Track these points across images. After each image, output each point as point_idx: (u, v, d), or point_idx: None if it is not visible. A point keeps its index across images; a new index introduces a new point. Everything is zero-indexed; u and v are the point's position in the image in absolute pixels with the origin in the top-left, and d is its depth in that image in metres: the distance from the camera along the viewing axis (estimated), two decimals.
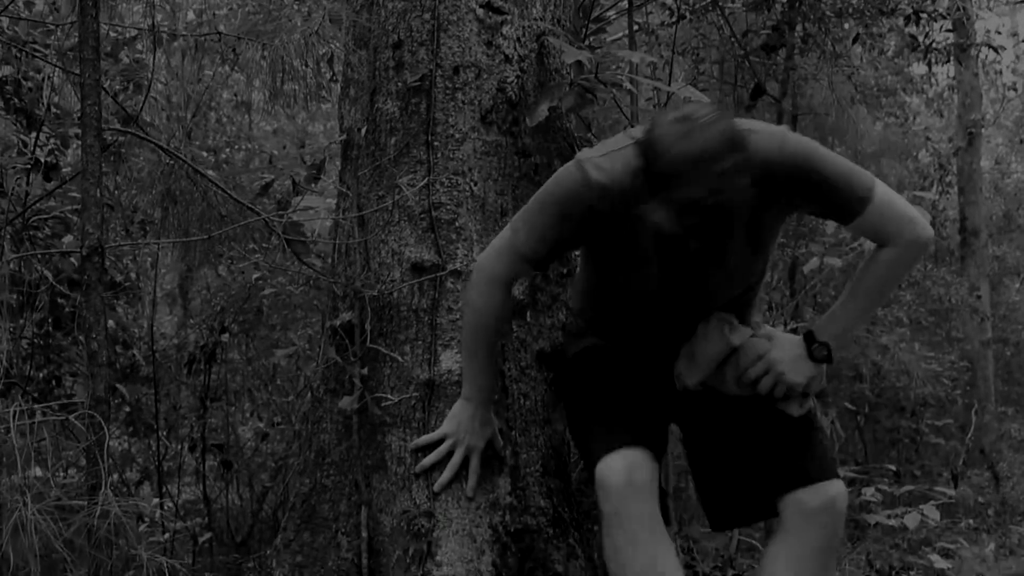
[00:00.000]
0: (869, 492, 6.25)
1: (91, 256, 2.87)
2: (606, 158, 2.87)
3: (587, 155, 2.91)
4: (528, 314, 3.69)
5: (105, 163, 3.07)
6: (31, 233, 4.86)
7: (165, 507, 5.42)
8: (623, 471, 2.88)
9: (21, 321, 5.25)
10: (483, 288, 3.13)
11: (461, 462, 3.37)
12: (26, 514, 2.48)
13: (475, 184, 3.63)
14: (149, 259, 7.03)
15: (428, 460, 3.37)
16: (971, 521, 8.40)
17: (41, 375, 5.49)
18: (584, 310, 3.42)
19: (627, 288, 3.11)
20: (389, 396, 3.47)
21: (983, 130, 13.97)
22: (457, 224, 3.58)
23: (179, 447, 6.47)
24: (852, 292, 3.09)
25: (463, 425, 3.36)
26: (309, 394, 3.83)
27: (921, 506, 5.66)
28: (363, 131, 3.72)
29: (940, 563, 5.96)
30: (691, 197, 2.53)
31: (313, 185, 3.64)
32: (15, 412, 2.71)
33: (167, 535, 4.11)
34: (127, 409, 5.89)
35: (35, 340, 5.40)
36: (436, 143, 3.62)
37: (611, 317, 3.28)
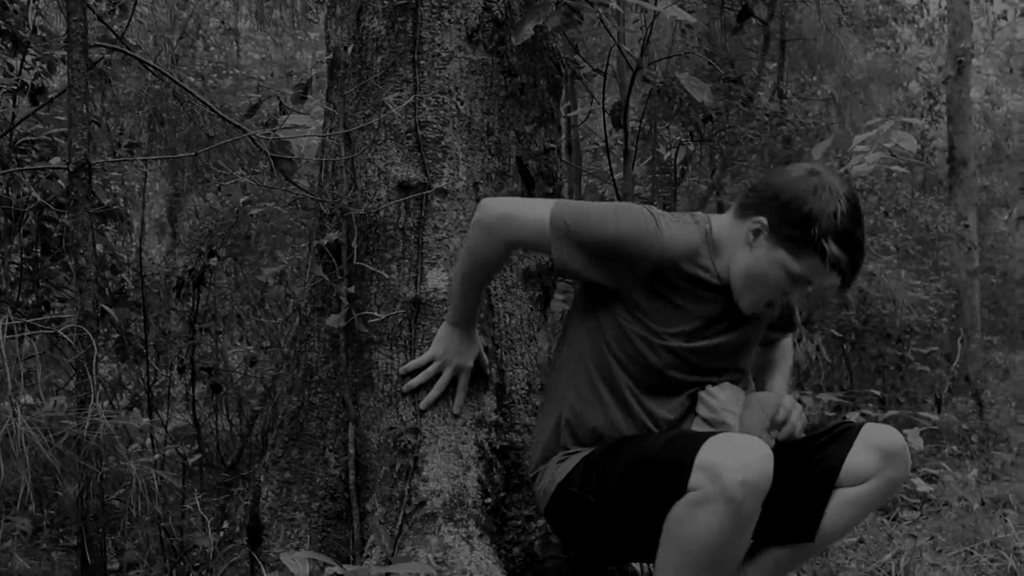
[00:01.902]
0: (854, 417, 6.30)
1: (78, 172, 2.88)
2: (669, 221, 3.03)
3: (655, 214, 3.04)
4: None
5: (91, 83, 3.06)
6: (18, 156, 4.84)
7: (154, 431, 5.45)
8: (757, 465, 2.69)
9: (9, 245, 5.25)
10: (493, 244, 3.11)
11: (449, 382, 3.40)
12: (16, 425, 2.50)
13: (461, 103, 3.63)
14: (137, 185, 7.01)
15: (416, 381, 3.40)
16: (955, 447, 8.46)
17: (30, 300, 5.49)
18: (579, 413, 3.14)
19: (650, 343, 3.04)
20: (376, 314, 3.49)
21: (973, 60, 13.91)
22: (443, 143, 3.59)
23: (168, 373, 6.48)
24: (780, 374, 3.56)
25: (451, 347, 3.37)
26: (297, 316, 3.85)
27: (905, 431, 5.69)
28: (349, 50, 3.71)
29: (923, 487, 6.02)
30: (859, 240, 2.89)
31: (300, 105, 3.62)
32: (4, 327, 2.73)
33: (157, 456, 4.14)
34: (115, 336, 5.90)
35: (23, 265, 5.40)
36: (422, 62, 3.61)
37: (620, 391, 3.10)
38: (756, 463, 2.66)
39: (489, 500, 3.40)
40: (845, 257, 2.85)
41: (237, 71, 6.84)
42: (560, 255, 3.00)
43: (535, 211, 3.05)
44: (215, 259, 5.63)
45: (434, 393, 3.39)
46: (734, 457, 2.66)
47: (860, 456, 3.02)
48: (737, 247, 3.00)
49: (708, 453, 2.70)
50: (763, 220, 2.94)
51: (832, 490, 3.05)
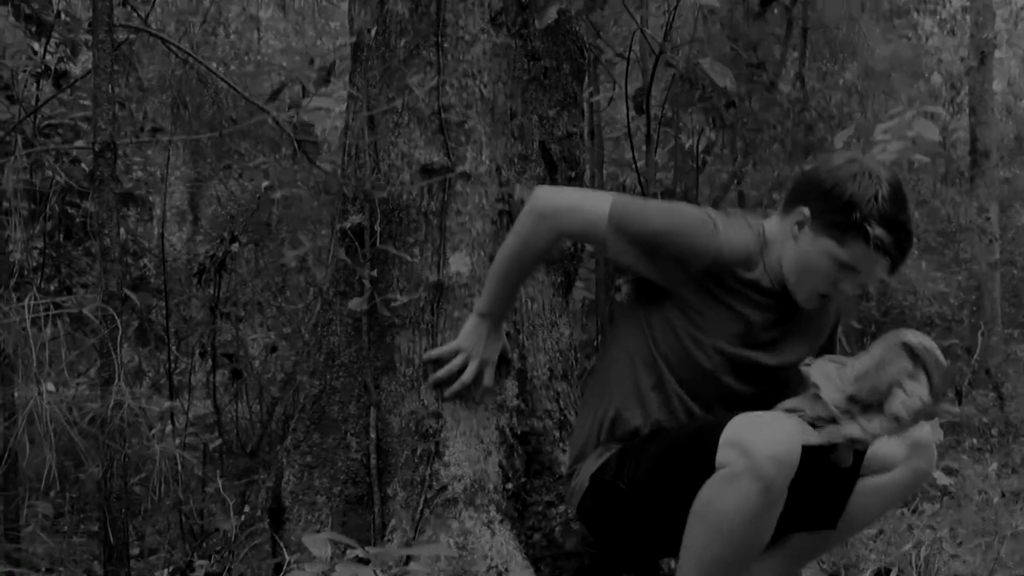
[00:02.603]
0: None
1: (103, 152, 2.88)
2: (725, 222, 3.02)
3: (712, 216, 3.03)
4: None
5: (116, 63, 3.07)
6: (42, 140, 4.85)
7: (175, 417, 5.46)
8: (786, 442, 2.67)
9: (32, 231, 5.26)
10: (546, 232, 3.08)
11: (474, 376, 3.39)
12: (42, 404, 2.51)
13: (485, 86, 3.62)
14: (159, 172, 7.03)
15: (441, 373, 3.39)
16: (975, 441, 8.43)
17: (52, 287, 5.50)
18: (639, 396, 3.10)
19: (699, 343, 3.01)
20: (398, 297, 3.49)
21: (995, 51, 13.84)
22: (467, 126, 3.58)
23: (189, 360, 6.50)
24: None
25: (478, 340, 3.36)
26: (319, 300, 3.86)
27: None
28: (373, 32, 3.70)
29: (943, 479, 6.00)
30: (904, 221, 2.86)
31: (323, 88, 3.62)
32: (29, 307, 2.73)
33: (177, 441, 4.16)
34: (136, 322, 5.91)
35: (46, 250, 5.41)
36: (446, 44, 3.60)
37: (667, 395, 3.07)
38: (785, 439, 2.64)
39: (510, 485, 3.40)
40: (891, 239, 2.82)
41: (259, 57, 6.84)
42: (616, 248, 2.98)
43: (594, 203, 3.03)
44: (236, 245, 5.63)
45: (457, 387, 3.37)
46: (763, 433, 2.66)
47: (887, 445, 2.99)
48: (785, 242, 2.99)
49: (735, 429, 2.70)
50: (805, 211, 2.93)
51: (858, 478, 3.03)
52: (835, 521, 3.05)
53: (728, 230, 2.98)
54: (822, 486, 2.87)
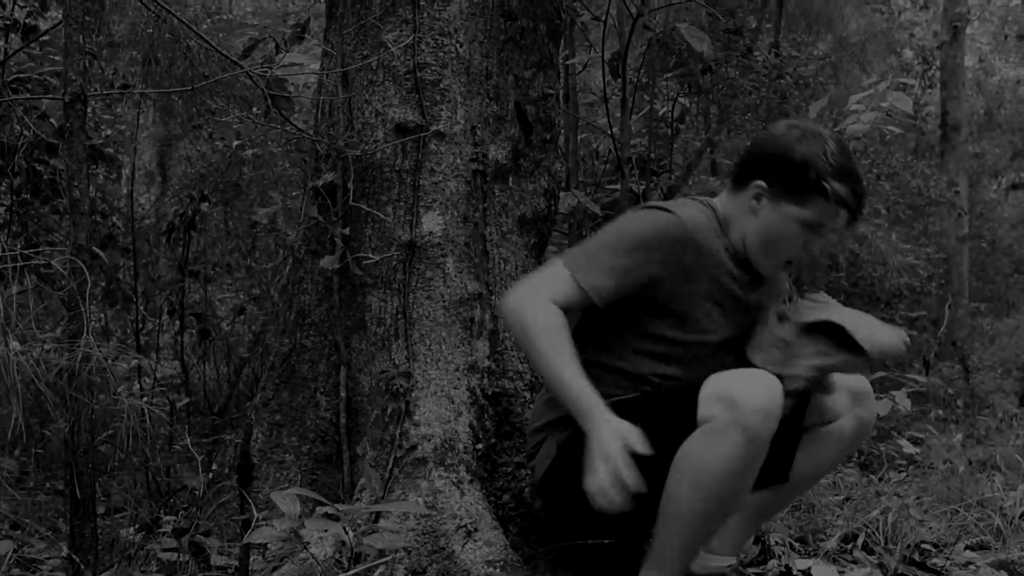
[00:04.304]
0: None
1: (73, 103, 2.85)
2: (677, 204, 3.02)
3: (658, 205, 3.01)
4: (510, 179, 3.69)
5: (87, 15, 3.02)
6: (11, 93, 4.80)
7: (142, 376, 5.43)
8: (769, 394, 2.67)
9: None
10: (539, 305, 2.86)
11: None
12: (8, 356, 2.48)
13: (461, 45, 3.60)
14: (128, 131, 6.96)
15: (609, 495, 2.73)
16: (940, 412, 8.50)
17: (18, 245, 5.45)
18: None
19: (685, 333, 2.98)
20: (370, 256, 3.46)
21: (967, 28, 13.89)
22: (442, 85, 3.56)
23: (157, 320, 6.47)
24: None
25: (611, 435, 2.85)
26: (289, 261, 3.83)
27: (892, 392, 5.70)
28: None
29: (909, 449, 6.04)
30: (856, 171, 2.93)
31: (297, 45, 3.59)
32: None
33: (144, 399, 4.13)
34: (103, 283, 5.87)
35: (12, 208, 5.37)
36: (422, 2, 3.57)
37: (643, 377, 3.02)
38: (768, 391, 2.66)
39: (480, 446, 3.39)
40: (847, 189, 2.87)
41: (230, 16, 6.78)
42: (592, 281, 2.87)
43: (546, 270, 2.96)
44: (206, 204, 5.60)
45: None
46: (746, 386, 2.67)
47: (829, 397, 3.07)
48: (744, 217, 2.99)
49: (718, 384, 2.70)
50: (760, 183, 2.94)
51: (802, 430, 3.08)
52: (786, 474, 3.09)
53: (682, 208, 2.99)
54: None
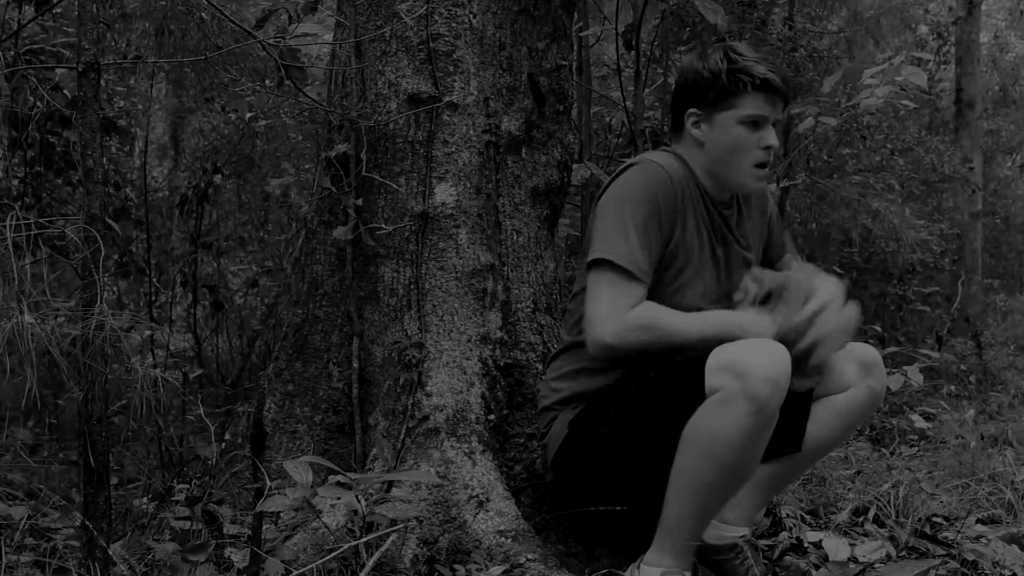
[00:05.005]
0: None
1: (87, 72, 2.84)
2: (653, 155, 3.12)
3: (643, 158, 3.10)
4: (523, 150, 3.68)
5: None
6: (25, 64, 4.79)
7: (155, 349, 5.44)
8: (777, 363, 2.67)
9: (12, 159, 5.21)
10: (628, 319, 2.89)
11: None
12: (23, 321, 2.49)
13: (474, 16, 3.59)
14: (140, 105, 6.96)
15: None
16: (952, 387, 8.47)
17: (32, 217, 5.45)
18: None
19: (688, 289, 3.04)
20: (383, 226, 3.47)
21: (983, 4, 13.79)
22: (455, 56, 3.55)
23: (170, 293, 6.48)
24: None
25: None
26: (302, 232, 3.83)
27: (905, 367, 5.69)
28: None
29: (921, 424, 6.03)
30: (761, 56, 3.05)
31: (311, 16, 3.57)
32: (11, 226, 2.70)
33: (158, 369, 4.15)
34: (116, 256, 5.89)
35: (25, 179, 5.37)
36: None
37: None
38: (776, 361, 2.66)
39: (492, 417, 3.40)
40: (760, 70, 2.97)
41: None
42: (630, 254, 2.91)
43: (601, 287, 2.95)
44: (219, 176, 5.60)
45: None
46: (755, 355, 2.67)
47: (839, 366, 3.09)
48: (697, 151, 3.09)
49: (726, 354, 2.71)
50: (692, 110, 3.07)
51: (812, 400, 3.09)
52: (799, 444, 3.10)
53: (657, 158, 3.07)
54: (782, 412, 2.86)
